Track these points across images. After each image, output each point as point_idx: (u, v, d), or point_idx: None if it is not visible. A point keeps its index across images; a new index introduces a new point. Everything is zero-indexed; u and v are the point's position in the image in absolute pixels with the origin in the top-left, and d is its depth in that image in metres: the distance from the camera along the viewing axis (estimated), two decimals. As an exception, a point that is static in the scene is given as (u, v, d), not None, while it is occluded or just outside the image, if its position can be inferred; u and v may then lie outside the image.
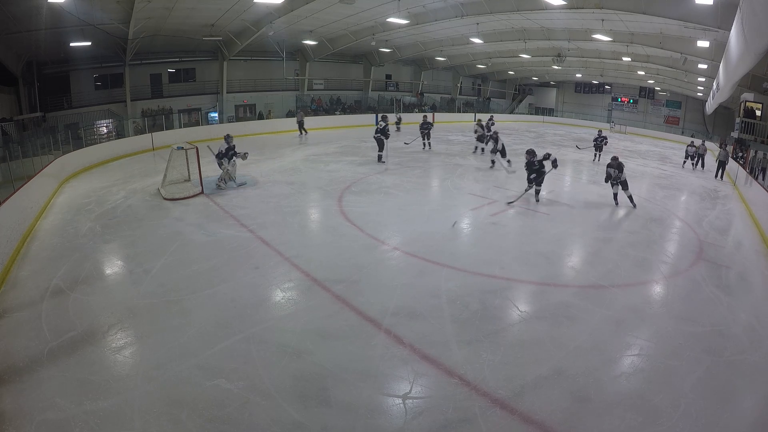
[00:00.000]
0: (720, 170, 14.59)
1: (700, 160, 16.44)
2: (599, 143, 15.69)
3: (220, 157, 9.76)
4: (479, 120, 16.87)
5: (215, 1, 14.41)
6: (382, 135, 13.38)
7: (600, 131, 15.94)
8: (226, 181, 10.00)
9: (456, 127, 26.23)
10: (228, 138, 10.04)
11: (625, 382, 3.94)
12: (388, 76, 30.13)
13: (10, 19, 12.16)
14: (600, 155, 15.62)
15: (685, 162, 16.59)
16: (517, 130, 27.37)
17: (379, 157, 13.51)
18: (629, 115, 33.22)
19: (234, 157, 10.03)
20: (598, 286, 5.83)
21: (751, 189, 11.02)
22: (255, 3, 13.79)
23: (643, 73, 24.53)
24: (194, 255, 6.35)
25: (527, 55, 23.24)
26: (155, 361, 3.96)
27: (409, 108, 29.22)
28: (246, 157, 10.33)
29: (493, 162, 13.86)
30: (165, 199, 9.14)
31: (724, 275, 6.49)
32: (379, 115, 19.44)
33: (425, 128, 16.47)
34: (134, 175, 11.57)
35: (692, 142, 17.28)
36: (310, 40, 20.53)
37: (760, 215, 9.30)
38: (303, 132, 19.51)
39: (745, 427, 3.53)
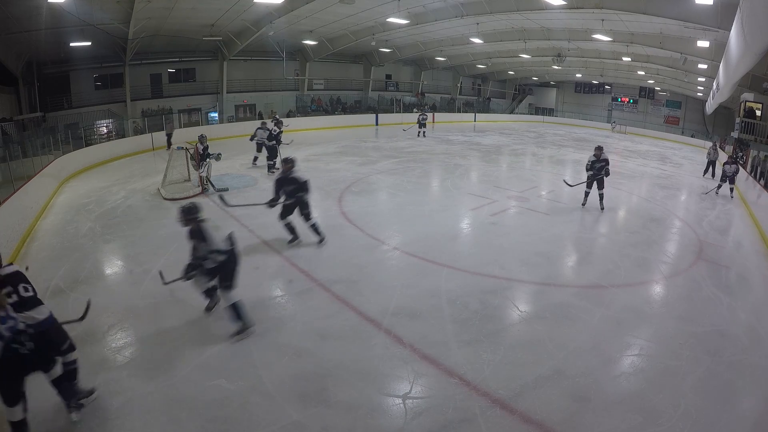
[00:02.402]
0: (713, 169, 14.53)
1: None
2: (598, 171, 9.01)
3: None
4: (266, 122, 12.76)
5: (215, 1, 14.42)
6: (275, 142, 11.60)
7: (600, 151, 9.06)
8: (212, 184, 9.72)
9: (456, 127, 26.26)
10: (202, 138, 9.93)
11: (625, 382, 3.94)
12: (388, 76, 30.15)
13: (10, 19, 12.17)
14: (601, 193, 9.21)
15: (720, 186, 11.67)
16: (517, 130, 27.39)
17: (269, 167, 11.49)
18: (629, 115, 33.21)
19: (208, 159, 9.86)
20: (598, 286, 5.83)
21: (752, 189, 11.02)
22: (255, 3, 13.79)
23: (643, 73, 24.53)
24: (194, 255, 6.34)
25: (527, 55, 23.25)
26: (155, 361, 3.96)
27: (408, 108, 29.25)
28: (220, 158, 10.10)
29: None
30: (165, 199, 9.14)
31: (724, 275, 6.49)
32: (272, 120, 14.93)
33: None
34: (134, 175, 11.57)
35: (735, 155, 12.58)
36: (310, 40, 20.54)
37: (760, 215, 9.30)
38: (169, 146, 15.10)
39: (745, 428, 3.52)
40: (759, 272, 6.79)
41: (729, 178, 11.51)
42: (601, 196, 9.28)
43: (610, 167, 9.22)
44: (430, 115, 28.44)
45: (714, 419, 3.51)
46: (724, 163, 11.89)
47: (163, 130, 16.66)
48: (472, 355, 4.17)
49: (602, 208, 9.31)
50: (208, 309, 4.76)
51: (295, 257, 6.28)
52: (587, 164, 9.21)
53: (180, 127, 18.89)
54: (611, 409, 3.58)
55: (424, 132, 20.12)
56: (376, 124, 25.05)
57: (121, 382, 3.69)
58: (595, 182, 9.19)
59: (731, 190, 11.59)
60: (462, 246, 7.26)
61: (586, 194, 9.45)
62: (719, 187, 11.64)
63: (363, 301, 5.10)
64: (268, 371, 3.86)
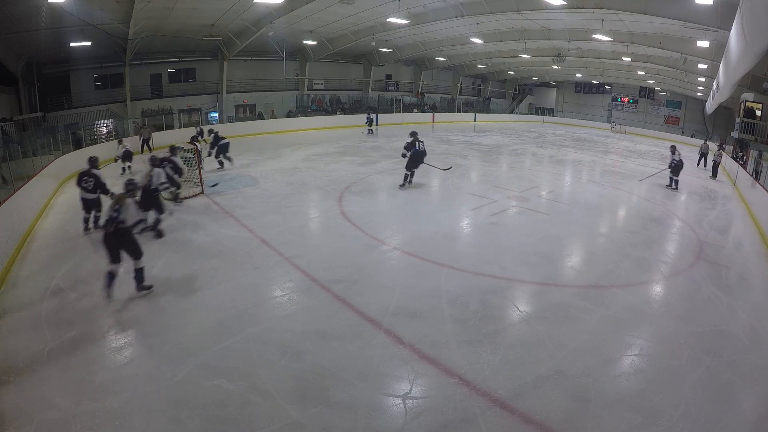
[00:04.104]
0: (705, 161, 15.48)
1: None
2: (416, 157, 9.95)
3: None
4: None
5: (215, 1, 14.43)
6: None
7: (414, 136, 10.34)
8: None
9: (456, 127, 26.27)
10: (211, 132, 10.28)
11: (625, 382, 3.94)
12: (388, 76, 30.15)
13: (10, 19, 12.17)
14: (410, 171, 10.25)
15: (674, 181, 12.09)
16: (517, 130, 27.39)
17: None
18: (629, 115, 33.22)
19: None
20: (598, 286, 5.83)
21: (752, 189, 11.02)
22: (255, 3, 13.80)
23: (643, 73, 24.54)
24: (194, 255, 6.35)
25: (527, 55, 23.25)
26: (155, 361, 3.96)
27: (408, 108, 29.24)
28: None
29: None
30: (165, 199, 9.12)
31: (724, 275, 6.49)
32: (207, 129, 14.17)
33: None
34: (134, 175, 11.54)
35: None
36: (310, 40, 20.54)
37: (760, 215, 9.30)
38: (148, 149, 13.89)
39: (745, 427, 3.52)
40: (759, 272, 6.79)
41: (671, 168, 11.76)
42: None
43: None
44: (429, 114, 28.67)
45: (714, 419, 3.51)
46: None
47: (162, 130, 16.63)
48: (472, 355, 4.17)
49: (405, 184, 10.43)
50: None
51: (295, 257, 6.27)
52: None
53: (180, 127, 18.91)
54: (611, 409, 3.58)
55: (372, 130, 21.06)
56: (376, 124, 25.04)
57: (121, 382, 3.69)
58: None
59: (676, 182, 11.91)
60: (462, 246, 7.26)
61: (405, 176, 10.55)
62: (671, 181, 11.99)
63: (363, 301, 5.10)
64: (268, 371, 3.86)
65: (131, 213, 5.02)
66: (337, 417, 3.37)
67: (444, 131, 24.01)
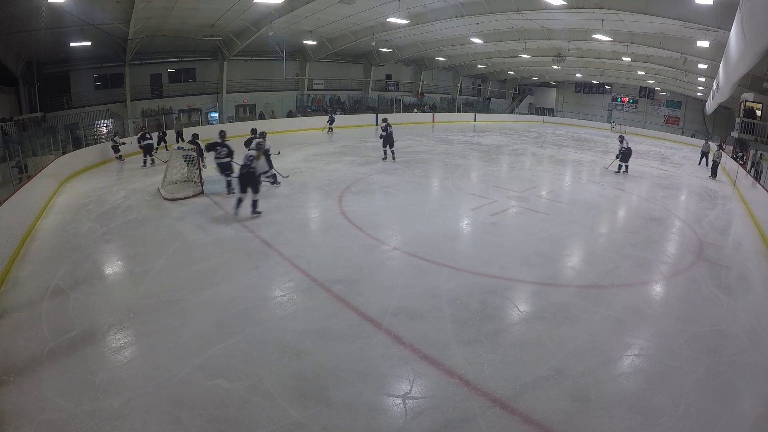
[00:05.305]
0: (707, 159, 15.81)
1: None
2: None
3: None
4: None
5: (215, 1, 14.43)
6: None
7: (385, 122, 13.73)
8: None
9: (456, 127, 26.28)
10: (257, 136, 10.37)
11: (625, 382, 3.94)
12: (388, 76, 30.16)
13: (10, 19, 12.17)
14: None
15: (624, 166, 13.83)
16: (517, 130, 27.40)
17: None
18: (629, 115, 33.23)
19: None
20: (598, 286, 5.82)
21: (752, 189, 11.02)
22: (255, 3, 13.80)
23: (643, 73, 24.54)
24: (194, 255, 6.35)
25: (527, 55, 23.26)
26: (155, 361, 3.96)
27: (408, 108, 29.25)
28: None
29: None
30: (165, 199, 9.14)
31: (724, 275, 6.48)
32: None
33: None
34: (134, 175, 11.57)
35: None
36: (310, 40, 20.55)
37: (759, 215, 9.30)
38: (181, 139, 13.87)
39: (745, 427, 3.52)
40: (759, 272, 6.79)
41: (620, 155, 13.56)
42: None
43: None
44: (429, 114, 28.70)
45: (714, 419, 3.51)
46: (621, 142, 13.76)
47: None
48: (472, 355, 4.17)
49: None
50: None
51: (295, 257, 6.27)
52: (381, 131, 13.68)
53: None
54: (611, 409, 3.58)
55: (331, 129, 21.10)
56: (376, 124, 25.05)
57: (121, 382, 3.69)
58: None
59: (626, 167, 13.65)
60: (462, 246, 7.26)
61: (384, 152, 13.98)
62: (620, 167, 13.68)
63: (363, 301, 5.10)
64: (268, 371, 3.86)
65: (260, 165, 7.78)
66: (337, 417, 3.37)
67: (444, 131, 24.02)
